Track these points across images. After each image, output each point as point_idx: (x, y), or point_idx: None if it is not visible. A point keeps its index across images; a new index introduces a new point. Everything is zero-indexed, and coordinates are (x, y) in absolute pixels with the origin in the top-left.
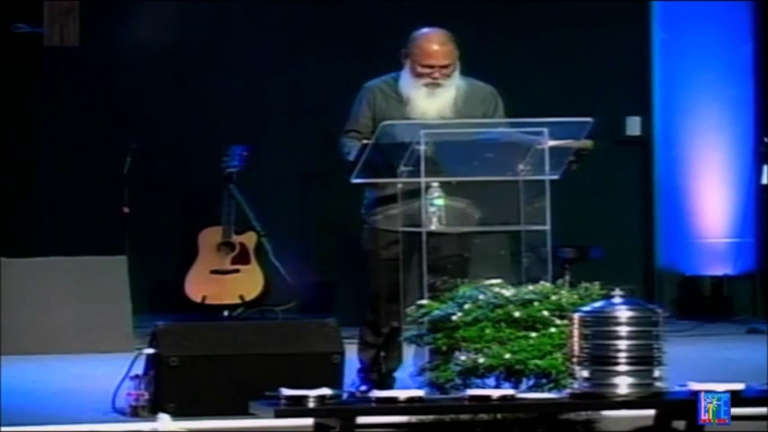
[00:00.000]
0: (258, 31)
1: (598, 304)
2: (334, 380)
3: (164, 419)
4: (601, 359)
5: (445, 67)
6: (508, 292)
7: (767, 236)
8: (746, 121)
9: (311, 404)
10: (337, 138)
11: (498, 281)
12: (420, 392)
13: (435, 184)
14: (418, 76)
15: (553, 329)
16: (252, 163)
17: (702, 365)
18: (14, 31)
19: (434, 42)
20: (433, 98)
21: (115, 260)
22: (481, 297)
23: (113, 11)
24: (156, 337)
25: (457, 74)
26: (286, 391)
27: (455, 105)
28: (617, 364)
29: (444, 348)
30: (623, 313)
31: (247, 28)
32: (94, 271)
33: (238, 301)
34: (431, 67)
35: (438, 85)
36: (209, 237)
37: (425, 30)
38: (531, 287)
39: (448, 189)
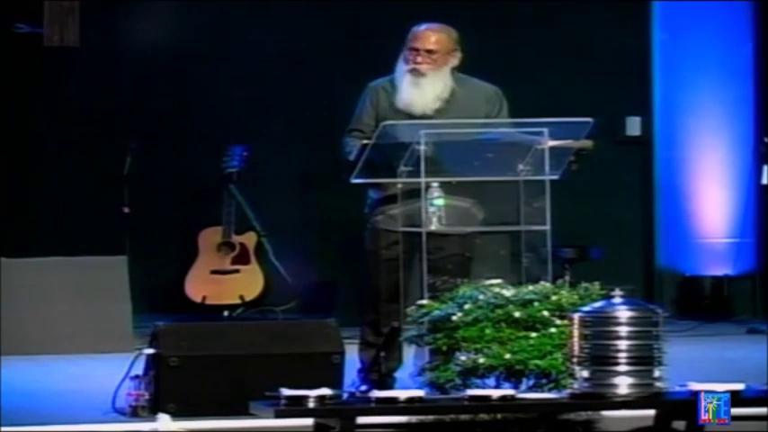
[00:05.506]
0: (258, 31)
1: (598, 304)
2: (334, 380)
3: (164, 419)
4: (601, 359)
5: (430, 52)
6: (508, 293)
7: (767, 236)
8: (746, 121)
9: (311, 404)
10: (338, 138)
11: (498, 281)
12: (420, 392)
13: (435, 185)
14: (405, 61)
15: (553, 329)
16: (252, 163)
17: (702, 365)
18: (14, 31)
19: (425, 27)
20: (416, 88)
21: (115, 260)
22: (481, 297)
23: (113, 11)
24: (156, 337)
25: (446, 69)
26: (286, 391)
27: (450, 104)
28: (617, 364)
29: (444, 348)
30: (623, 313)
31: (247, 28)
32: (94, 271)
33: (238, 301)
34: (416, 50)
35: (421, 74)
36: (210, 237)
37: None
38: (531, 287)
39: (451, 189)
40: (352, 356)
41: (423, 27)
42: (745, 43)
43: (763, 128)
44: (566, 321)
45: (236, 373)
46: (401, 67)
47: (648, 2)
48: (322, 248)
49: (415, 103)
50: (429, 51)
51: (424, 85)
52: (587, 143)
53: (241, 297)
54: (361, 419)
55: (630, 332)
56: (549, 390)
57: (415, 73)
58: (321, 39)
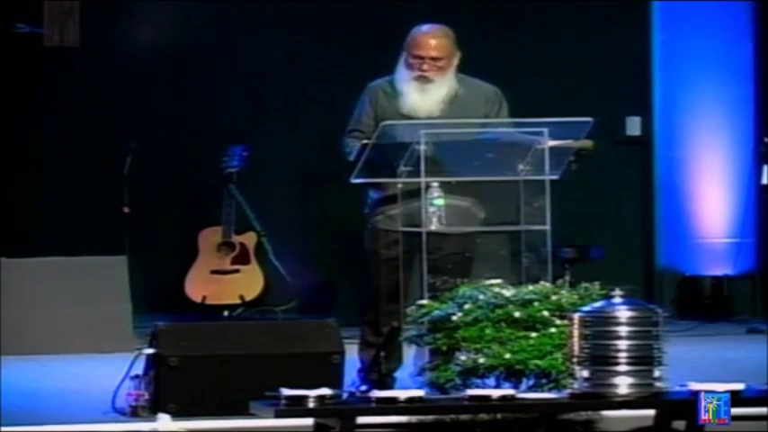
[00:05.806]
0: (258, 32)
1: (598, 304)
2: (334, 380)
3: (164, 419)
4: (601, 359)
5: (435, 59)
6: (508, 292)
7: (767, 236)
8: (746, 121)
9: (311, 404)
10: (338, 138)
11: (498, 281)
12: (420, 392)
13: (435, 184)
14: (409, 68)
15: (553, 329)
16: (252, 163)
17: (702, 365)
18: (14, 31)
19: (427, 33)
20: (423, 93)
21: (115, 260)
22: (481, 297)
23: (113, 11)
24: (156, 337)
25: (451, 72)
26: (286, 391)
27: (450, 104)
28: (617, 364)
29: (444, 348)
30: (623, 313)
31: (247, 28)
32: (94, 271)
33: (238, 301)
34: (421, 58)
35: (428, 80)
36: (210, 237)
37: (426, 24)
38: (531, 287)
39: (451, 189)
40: (352, 356)
41: (423, 32)
42: (745, 43)
43: (763, 128)
44: (566, 321)
45: (236, 373)
46: (403, 73)
47: (648, 2)
48: (322, 248)
49: (419, 108)
50: (434, 59)
51: (431, 91)
52: (587, 143)
53: (241, 297)
54: (361, 419)
55: (630, 332)
56: (549, 390)
57: (423, 80)
58: (321, 39)
